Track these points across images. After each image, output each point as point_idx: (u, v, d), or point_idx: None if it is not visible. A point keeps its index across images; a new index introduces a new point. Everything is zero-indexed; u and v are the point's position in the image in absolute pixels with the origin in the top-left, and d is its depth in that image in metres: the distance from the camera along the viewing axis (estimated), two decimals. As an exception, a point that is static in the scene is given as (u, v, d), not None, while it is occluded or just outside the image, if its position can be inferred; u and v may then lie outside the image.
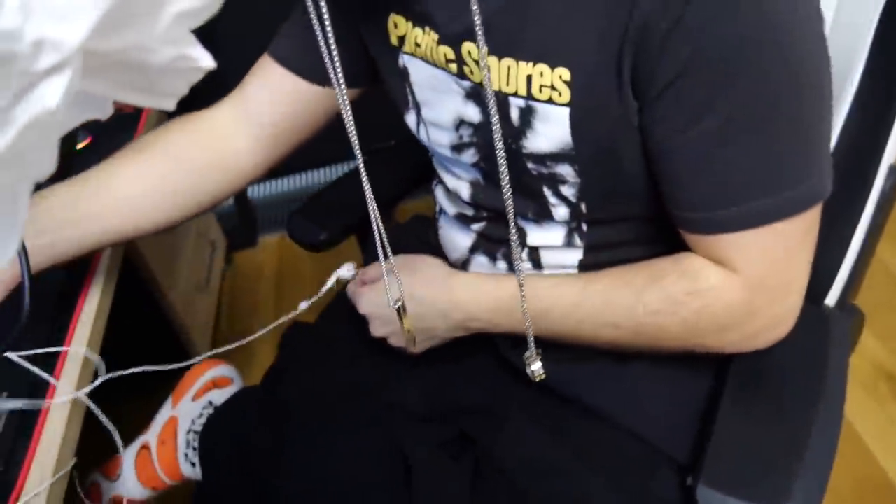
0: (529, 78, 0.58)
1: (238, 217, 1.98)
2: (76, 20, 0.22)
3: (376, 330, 0.74)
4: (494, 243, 0.75)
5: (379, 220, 0.54)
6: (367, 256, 0.97)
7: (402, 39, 0.67)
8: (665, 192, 0.60)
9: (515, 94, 0.59)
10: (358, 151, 0.51)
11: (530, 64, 0.57)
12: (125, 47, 0.24)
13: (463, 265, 0.79)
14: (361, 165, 0.52)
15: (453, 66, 0.63)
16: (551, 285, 0.66)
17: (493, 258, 0.75)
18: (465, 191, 0.73)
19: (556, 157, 0.61)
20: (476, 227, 0.76)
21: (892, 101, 0.66)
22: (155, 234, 0.75)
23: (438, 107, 0.68)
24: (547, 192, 0.65)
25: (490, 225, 0.75)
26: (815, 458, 0.59)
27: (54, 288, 0.74)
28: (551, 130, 0.59)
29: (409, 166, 1.01)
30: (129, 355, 1.49)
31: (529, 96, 0.59)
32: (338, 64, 0.47)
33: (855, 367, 1.39)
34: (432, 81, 0.66)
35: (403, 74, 0.69)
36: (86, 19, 0.22)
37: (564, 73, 0.56)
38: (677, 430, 0.69)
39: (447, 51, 0.62)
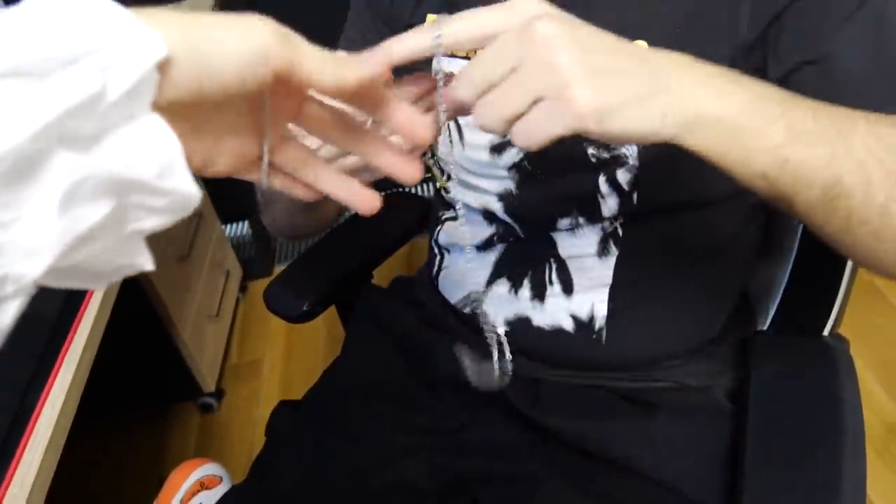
0: None
1: (255, 246, 2.01)
2: (40, 257, 0.24)
3: None
4: (519, 266, 0.73)
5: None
6: (350, 326, 0.94)
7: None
8: None
9: None
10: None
11: None
12: (79, 262, 0.26)
13: (475, 300, 0.77)
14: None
15: None
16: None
17: (517, 284, 0.73)
18: (494, 204, 0.71)
19: None
20: (498, 248, 0.74)
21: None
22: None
23: None
24: (601, 180, 0.64)
25: (514, 246, 0.73)
26: (850, 497, 0.58)
27: (50, 315, 0.76)
28: None
29: (396, 222, 1.01)
30: (134, 382, 1.52)
31: None
32: None
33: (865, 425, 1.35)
34: None
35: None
36: (49, 255, 0.24)
37: (642, 45, 0.55)
38: (707, 477, 0.68)
39: None
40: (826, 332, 0.76)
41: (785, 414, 0.66)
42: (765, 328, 0.80)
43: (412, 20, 0.71)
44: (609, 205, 0.65)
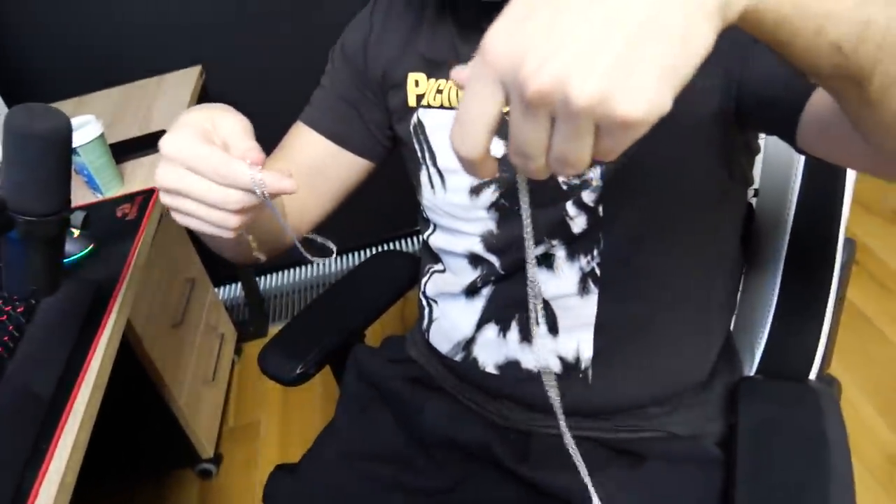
0: None
1: (248, 308, 2.01)
2: None
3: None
4: (506, 309, 0.75)
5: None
6: (342, 388, 0.96)
7: (419, 98, 0.72)
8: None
9: None
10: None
11: None
12: None
13: (467, 345, 0.79)
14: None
15: None
16: None
17: (505, 326, 0.75)
18: (476, 246, 0.74)
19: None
20: (485, 294, 0.76)
21: (839, 177, 0.68)
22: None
23: None
24: (569, 203, 0.66)
25: (500, 290, 0.74)
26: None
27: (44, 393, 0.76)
28: None
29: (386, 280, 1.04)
30: (131, 450, 1.50)
31: None
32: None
33: (867, 457, 1.34)
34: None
35: (418, 130, 0.73)
36: None
37: None
38: None
39: None
40: (814, 372, 0.77)
41: (773, 461, 0.67)
42: (752, 373, 0.81)
43: (386, 80, 0.75)
44: (578, 223, 0.67)
